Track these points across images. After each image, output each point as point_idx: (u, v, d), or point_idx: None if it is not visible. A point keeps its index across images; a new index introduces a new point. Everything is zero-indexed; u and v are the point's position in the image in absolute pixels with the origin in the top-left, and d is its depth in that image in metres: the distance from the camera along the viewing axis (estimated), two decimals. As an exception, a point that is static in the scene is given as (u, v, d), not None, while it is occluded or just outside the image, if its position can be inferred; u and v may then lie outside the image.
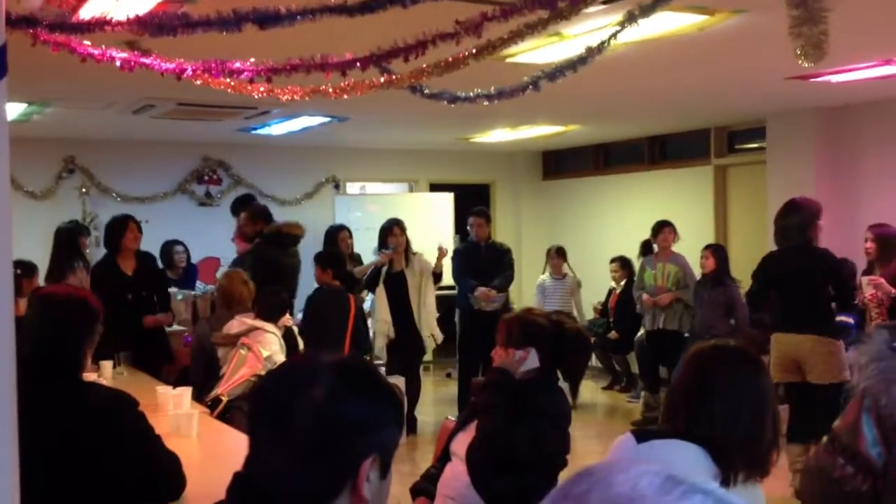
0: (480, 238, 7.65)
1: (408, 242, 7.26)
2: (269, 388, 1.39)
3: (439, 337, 7.39)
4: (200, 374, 5.42)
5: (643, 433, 2.23)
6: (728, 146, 9.08)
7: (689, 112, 8.10)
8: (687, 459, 2.11)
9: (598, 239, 10.24)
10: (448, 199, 10.28)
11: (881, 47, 5.27)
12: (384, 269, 7.22)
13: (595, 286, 9.63)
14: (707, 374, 2.20)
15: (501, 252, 7.75)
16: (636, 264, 8.32)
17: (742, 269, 8.66)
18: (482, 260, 7.59)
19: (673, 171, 9.57)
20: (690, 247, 7.90)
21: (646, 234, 8.05)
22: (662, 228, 7.78)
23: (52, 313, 2.58)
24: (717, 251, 7.41)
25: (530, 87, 3.64)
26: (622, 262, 8.92)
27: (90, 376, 3.42)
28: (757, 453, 2.16)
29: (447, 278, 7.82)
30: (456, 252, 7.92)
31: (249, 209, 7.43)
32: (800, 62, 3.24)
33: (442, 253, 7.24)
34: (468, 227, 7.78)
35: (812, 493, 2.28)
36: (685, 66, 5.69)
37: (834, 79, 6.11)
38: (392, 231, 7.15)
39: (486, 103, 3.95)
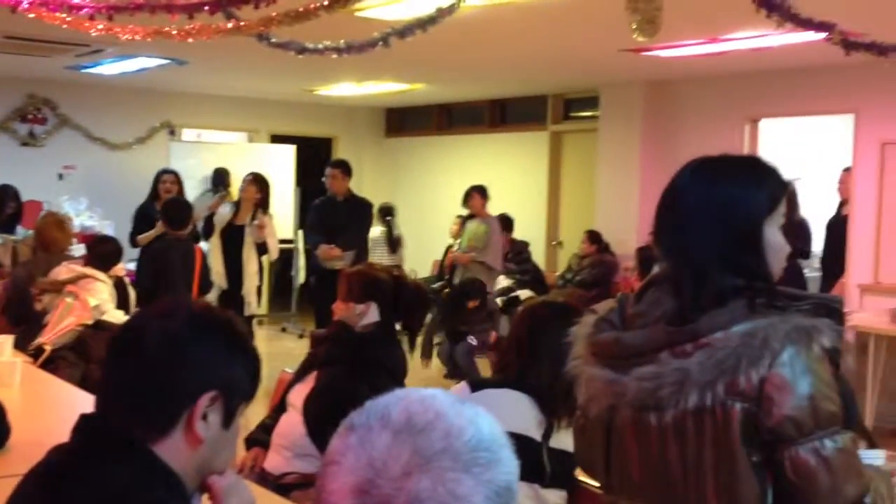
0: (338, 192, 7.20)
1: (262, 201, 6.98)
2: (132, 319, 1.46)
3: (254, 306, 7.08)
4: (17, 321, 5.15)
5: (478, 382, 2.34)
6: (564, 113, 9.40)
7: (529, 78, 8.32)
8: (515, 407, 2.23)
9: (440, 197, 10.40)
10: (289, 151, 10.13)
11: (708, 26, 5.58)
12: (227, 218, 6.95)
13: (436, 244, 9.80)
14: (537, 327, 2.33)
15: (361, 207, 7.40)
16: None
17: (570, 231, 9.07)
18: (339, 215, 7.18)
19: (512, 134, 9.83)
20: (525, 207, 8.18)
21: (485, 194, 8.26)
22: (471, 194, 8.04)
23: None
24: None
25: (380, 43, 3.66)
26: (463, 221, 9.11)
27: None
28: (572, 400, 2.31)
29: (285, 232, 7.63)
30: (311, 206, 7.65)
31: None
32: (634, 36, 3.41)
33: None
34: (324, 180, 7.51)
35: None
36: (527, 32, 5.84)
37: (664, 53, 6.43)
38: (247, 184, 6.88)
39: (334, 56, 3.94)
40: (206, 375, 1.34)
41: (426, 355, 7.47)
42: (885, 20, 4.90)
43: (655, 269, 1.70)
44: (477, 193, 8.07)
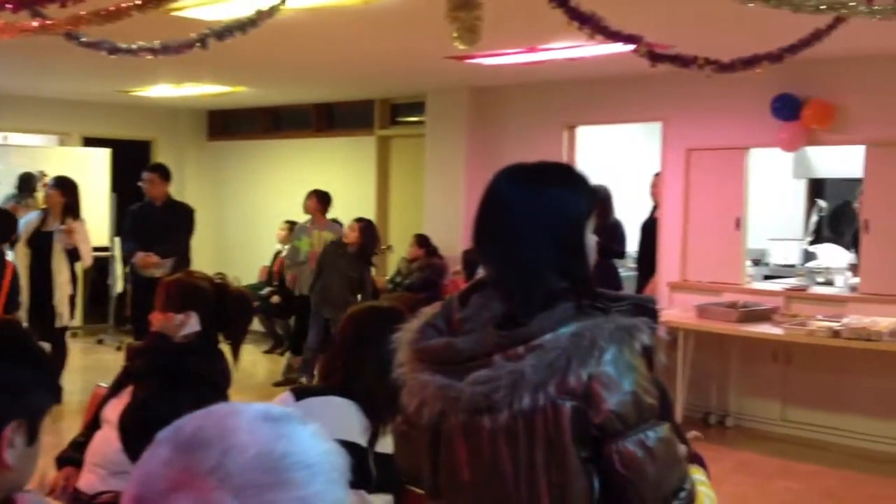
0: (156, 197, 6.98)
1: (70, 206, 6.60)
2: None
3: (66, 318, 6.74)
4: None
5: (301, 391, 2.31)
6: (391, 118, 9.46)
7: (356, 82, 8.32)
8: (340, 414, 2.22)
9: (267, 202, 10.22)
10: (104, 154, 9.67)
11: (527, 36, 5.76)
12: (34, 225, 6.56)
13: (262, 249, 9.62)
14: (362, 332, 2.33)
15: (182, 213, 7.19)
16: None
17: (399, 235, 9.13)
18: (157, 221, 6.95)
19: (339, 138, 9.79)
20: (354, 212, 8.15)
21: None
22: (310, 197, 7.99)
23: None
24: (367, 228, 7.54)
25: (197, 44, 3.55)
26: (291, 226, 9.00)
27: None
28: (395, 405, 2.32)
29: (100, 239, 7.31)
30: (128, 211, 7.33)
31: None
32: (456, 44, 3.47)
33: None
34: (141, 185, 7.20)
35: None
36: (352, 37, 5.83)
37: (486, 61, 6.59)
38: (50, 189, 6.49)
39: (149, 57, 3.80)
40: (8, 405, 1.27)
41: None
42: (690, 33, 5.22)
43: (480, 272, 1.72)
44: (313, 197, 7.98)
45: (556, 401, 1.48)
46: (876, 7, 3.14)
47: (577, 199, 1.66)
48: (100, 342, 9.27)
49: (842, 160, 7.35)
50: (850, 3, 3.13)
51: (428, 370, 1.59)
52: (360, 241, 7.40)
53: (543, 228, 1.60)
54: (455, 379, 1.54)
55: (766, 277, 7.56)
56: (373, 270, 7.63)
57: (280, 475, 0.81)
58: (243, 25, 3.45)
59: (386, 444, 2.29)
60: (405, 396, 1.65)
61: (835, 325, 5.79)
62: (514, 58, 6.42)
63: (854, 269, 6.69)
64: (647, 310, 1.58)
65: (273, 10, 3.44)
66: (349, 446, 2.28)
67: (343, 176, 9.51)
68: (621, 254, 7.39)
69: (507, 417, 1.50)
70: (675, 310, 6.79)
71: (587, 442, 1.51)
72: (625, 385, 1.49)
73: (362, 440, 2.29)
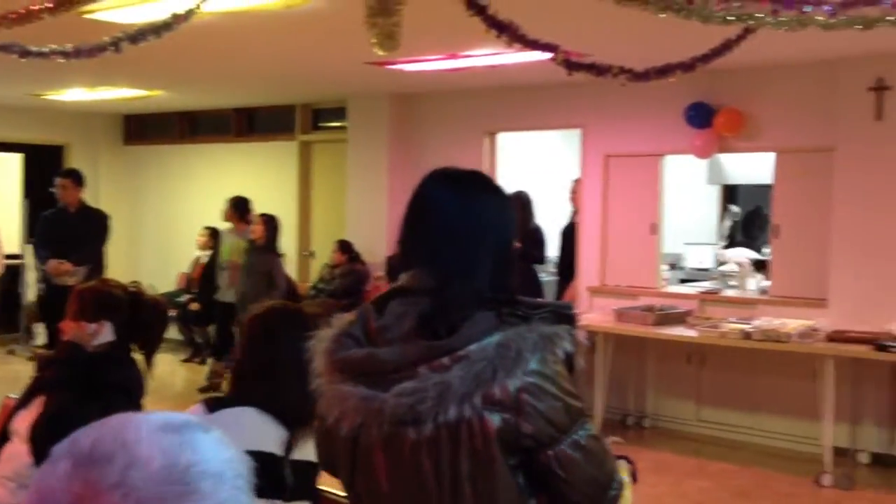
0: (69, 203, 6.87)
1: None
2: None
3: None
4: None
5: (214, 402, 2.26)
6: (313, 123, 9.40)
7: (277, 87, 8.25)
8: (254, 424, 2.18)
9: (186, 208, 10.04)
10: (15, 160, 9.39)
11: (448, 43, 5.79)
12: None
13: (180, 256, 9.45)
14: (267, 331, 2.29)
15: (96, 219, 7.09)
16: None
17: (322, 241, 9.08)
18: (70, 228, 6.84)
19: (260, 144, 9.69)
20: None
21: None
22: (228, 204, 7.95)
23: None
24: (268, 221, 7.56)
25: (110, 48, 3.48)
26: (211, 232, 8.86)
27: None
28: (309, 410, 2.27)
29: (11, 247, 7.12)
30: (40, 218, 7.15)
31: None
32: (375, 50, 3.48)
33: None
34: (53, 190, 7.01)
35: None
36: (272, 42, 5.78)
37: (407, 67, 6.61)
38: None
39: (61, 60, 3.71)
40: None
41: None
42: (606, 43, 5.32)
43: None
44: (232, 204, 7.90)
45: (481, 412, 1.48)
46: (781, 18, 3.25)
47: (506, 205, 1.68)
48: (11, 352, 8.98)
49: (753, 167, 7.58)
50: (757, 14, 3.24)
51: (348, 381, 1.56)
52: (264, 233, 7.42)
53: (477, 235, 1.60)
54: (378, 390, 1.52)
55: (683, 281, 7.74)
56: (283, 263, 7.62)
57: (185, 486, 0.81)
58: (158, 29, 3.40)
59: (303, 451, 2.27)
60: (323, 407, 1.62)
61: (746, 327, 5.96)
62: (435, 64, 6.45)
63: (765, 271, 6.90)
64: (566, 316, 1.60)
65: (189, 14, 3.39)
66: (263, 456, 2.25)
67: (264, 181, 9.41)
68: (541, 259, 7.48)
69: (432, 429, 1.49)
70: (595, 314, 6.90)
71: (516, 451, 1.52)
72: (553, 393, 1.51)
73: (278, 449, 2.26)
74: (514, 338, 1.51)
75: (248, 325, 2.36)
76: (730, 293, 6.93)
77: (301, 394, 2.23)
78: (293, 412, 2.23)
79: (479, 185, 1.68)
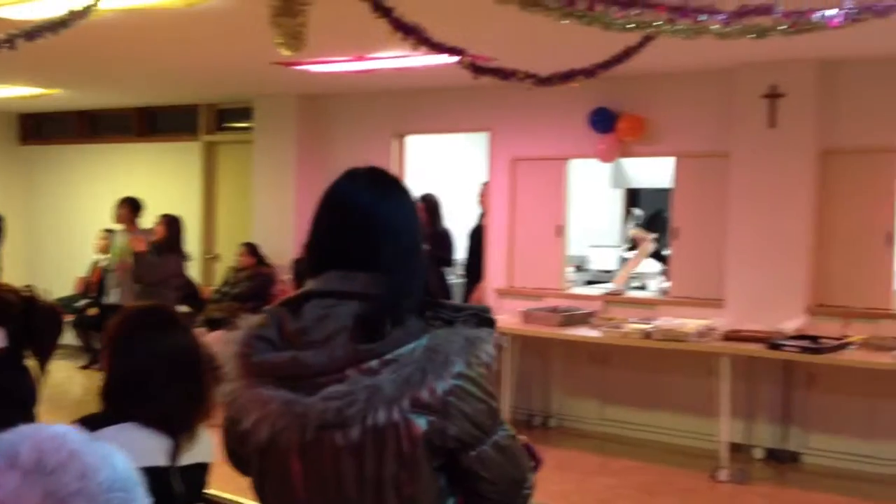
0: None
1: None
2: None
3: None
4: None
5: (90, 421, 2.07)
6: (217, 123, 9.24)
7: (179, 87, 8.08)
8: (134, 439, 2.06)
9: (84, 210, 9.75)
10: None
11: (355, 44, 5.78)
12: None
13: (79, 260, 9.17)
14: (128, 344, 2.21)
15: None
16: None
17: (227, 243, 8.93)
18: None
19: (162, 144, 9.47)
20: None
21: (132, 207, 7.88)
22: (120, 205, 7.77)
23: None
24: (170, 222, 7.52)
25: (5, 45, 3.37)
26: (110, 236, 8.62)
27: None
28: (189, 412, 2.19)
29: None
30: None
31: None
32: (280, 50, 3.45)
33: None
34: None
35: None
36: (174, 40, 5.67)
37: (313, 68, 6.56)
38: None
39: (-52, 55, 3.56)
40: None
41: None
42: (513, 48, 5.39)
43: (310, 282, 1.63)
44: (124, 205, 7.72)
45: (408, 415, 1.47)
46: (678, 26, 3.35)
47: (414, 206, 1.68)
48: None
49: (655, 171, 7.78)
50: (655, 22, 3.33)
51: (269, 385, 1.51)
52: (166, 234, 7.32)
53: (401, 235, 1.58)
54: (301, 394, 1.49)
55: (588, 283, 7.89)
56: (186, 265, 7.49)
57: (126, 493, 0.86)
58: (54, 26, 3.30)
59: (189, 455, 2.20)
60: (237, 410, 1.55)
61: (647, 327, 6.11)
62: (343, 66, 6.42)
63: (665, 272, 7.10)
64: (486, 320, 1.62)
65: (87, 11, 3.30)
66: (151, 471, 2.17)
67: (167, 183, 9.21)
68: (449, 261, 7.53)
69: (359, 433, 1.47)
70: (503, 315, 6.97)
71: (441, 453, 1.53)
72: (477, 396, 1.53)
73: (164, 460, 2.16)
74: (442, 342, 1.51)
75: (108, 333, 2.25)
76: (632, 294, 7.10)
77: (178, 397, 2.18)
78: (173, 419, 2.16)
79: (395, 185, 1.67)
